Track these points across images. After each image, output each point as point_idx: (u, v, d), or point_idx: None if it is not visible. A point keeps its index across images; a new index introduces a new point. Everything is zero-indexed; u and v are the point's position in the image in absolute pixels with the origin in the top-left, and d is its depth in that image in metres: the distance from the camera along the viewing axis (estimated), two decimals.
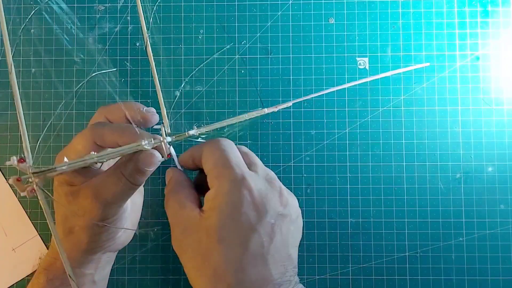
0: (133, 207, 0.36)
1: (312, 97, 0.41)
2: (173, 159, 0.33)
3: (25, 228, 0.40)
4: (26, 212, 0.40)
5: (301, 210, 0.39)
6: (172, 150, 0.32)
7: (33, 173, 0.28)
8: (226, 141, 0.32)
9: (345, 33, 0.41)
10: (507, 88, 0.41)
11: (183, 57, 0.41)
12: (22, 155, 0.28)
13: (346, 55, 0.41)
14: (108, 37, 0.41)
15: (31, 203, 0.40)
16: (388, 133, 0.41)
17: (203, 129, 0.32)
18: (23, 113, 0.29)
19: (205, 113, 0.41)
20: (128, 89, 0.41)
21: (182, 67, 0.41)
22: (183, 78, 0.41)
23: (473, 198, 0.40)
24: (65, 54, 0.41)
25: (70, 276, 0.28)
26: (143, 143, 0.29)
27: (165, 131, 0.31)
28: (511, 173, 0.40)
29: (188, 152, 0.33)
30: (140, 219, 0.40)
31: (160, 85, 0.33)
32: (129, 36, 0.41)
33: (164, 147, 0.31)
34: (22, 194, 0.28)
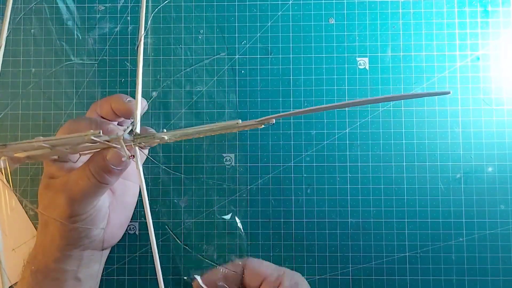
0: (118, 207, 0.36)
1: (313, 98, 0.41)
2: (137, 162, 0.29)
3: (25, 228, 0.40)
4: (26, 212, 0.40)
5: (301, 210, 0.39)
6: (137, 151, 0.29)
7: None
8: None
9: (345, 33, 0.41)
10: (507, 88, 0.41)
11: (183, 57, 0.41)
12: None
13: (346, 55, 0.41)
14: (108, 37, 0.41)
15: (31, 203, 0.40)
16: (388, 133, 0.41)
17: (171, 133, 0.29)
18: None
19: (205, 113, 0.41)
20: (128, 89, 0.41)
21: (182, 67, 0.41)
22: (182, 79, 0.41)
23: (473, 198, 0.40)
24: (65, 54, 0.41)
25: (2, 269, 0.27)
26: (89, 133, 0.26)
27: (132, 129, 0.29)
28: (511, 174, 0.40)
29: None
30: (139, 219, 0.40)
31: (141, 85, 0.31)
32: (129, 36, 0.41)
33: (122, 145, 0.28)
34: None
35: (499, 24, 0.41)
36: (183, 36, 0.41)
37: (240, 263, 0.36)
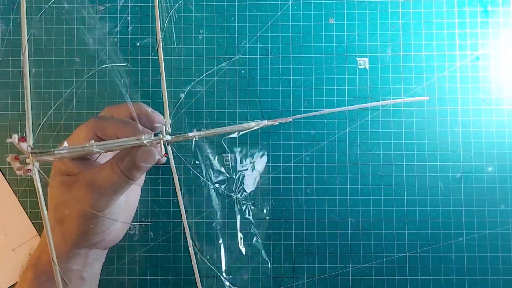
0: (126, 205, 0.36)
1: (313, 98, 0.41)
2: (169, 159, 0.33)
3: (25, 228, 0.40)
4: (26, 212, 0.40)
5: (301, 210, 0.39)
6: (169, 149, 0.32)
7: (32, 153, 0.28)
8: None
9: (345, 33, 0.41)
10: (507, 88, 0.41)
11: (183, 57, 0.41)
12: (24, 134, 0.28)
13: (346, 55, 0.41)
14: (108, 37, 0.41)
15: (31, 203, 0.40)
16: (388, 133, 0.41)
17: (202, 133, 0.32)
18: (21, 113, 0.29)
19: (204, 113, 0.41)
20: (128, 89, 0.41)
21: (182, 67, 0.41)
22: (183, 78, 0.41)
23: (473, 198, 0.40)
24: (65, 54, 0.41)
25: (53, 260, 0.28)
26: (143, 137, 0.30)
27: (165, 130, 0.32)
28: (511, 173, 0.40)
29: None
30: (139, 220, 0.40)
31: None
32: (129, 36, 0.41)
33: (161, 145, 0.31)
34: (17, 172, 0.28)
35: (499, 24, 0.41)
36: (183, 36, 0.41)
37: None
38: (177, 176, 0.33)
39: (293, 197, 0.40)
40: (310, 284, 0.40)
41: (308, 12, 0.41)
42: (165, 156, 0.32)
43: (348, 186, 0.40)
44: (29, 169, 0.28)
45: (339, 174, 0.40)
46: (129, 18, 0.42)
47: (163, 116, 0.33)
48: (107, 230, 0.34)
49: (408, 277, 0.39)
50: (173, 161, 0.33)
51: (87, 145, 0.29)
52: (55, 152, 0.29)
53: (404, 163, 0.40)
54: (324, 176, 0.40)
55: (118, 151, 0.32)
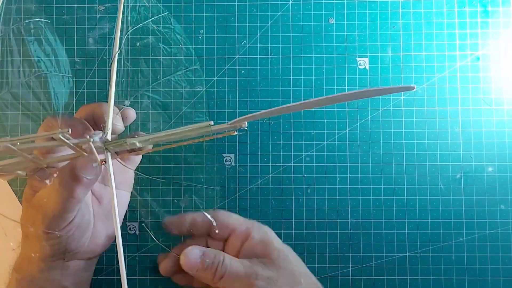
0: (106, 217, 0.34)
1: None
2: (108, 168, 0.28)
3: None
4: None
5: (301, 210, 0.39)
6: (109, 157, 0.28)
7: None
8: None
9: (345, 33, 0.41)
10: (507, 88, 0.41)
11: (183, 57, 0.41)
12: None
13: (346, 55, 0.41)
14: (108, 37, 0.41)
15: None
16: (388, 133, 0.40)
17: (142, 138, 0.28)
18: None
19: (205, 113, 0.41)
20: (129, 89, 0.41)
21: (182, 67, 0.41)
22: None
23: (473, 198, 0.40)
24: (64, 54, 0.41)
25: None
26: (58, 131, 0.24)
27: (104, 135, 0.28)
28: (511, 173, 0.40)
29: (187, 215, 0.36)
30: (139, 219, 0.40)
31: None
32: (129, 36, 0.41)
33: (92, 149, 0.27)
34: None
35: (499, 24, 0.41)
36: (183, 36, 0.41)
37: (209, 213, 0.36)
38: (114, 187, 0.28)
39: (293, 197, 0.40)
40: None
41: (308, 12, 0.41)
42: (102, 164, 0.28)
43: (349, 186, 0.40)
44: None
45: (340, 174, 0.40)
46: (129, 18, 0.42)
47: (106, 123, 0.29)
48: (73, 248, 0.31)
49: (408, 278, 0.39)
50: (112, 175, 0.28)
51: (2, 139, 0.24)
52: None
53: (405, 163, 0.40)
54: (324, 176, 0.40)
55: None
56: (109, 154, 0.28)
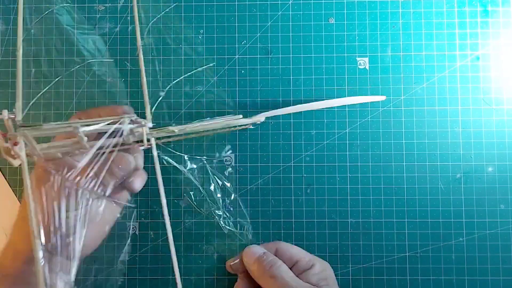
0: (90, 221, 0.34)
1: (313, 99, 0.41)
2: (152, 153, 0.34)
3: None
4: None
5: (301, 210, 0.39)
6: (153, 141, 0.34)
7: (20, 126, 0.28)
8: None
9: (345, 33, 0.41)
10: (507, 88, 0.41)
11: (183, 57, 0.41)
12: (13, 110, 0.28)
13: (346, 55, 0.41)
14: (108, 37, 0.41)
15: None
16: (388, 133, 0.40)
17: (184, 127, 0.34)
18: (22, 113, 0.29)
19: (205, 113, 0.41)
20: (128, 89, 0.41)
21: (182, 67, 0.41)
22: (183, 78, 0.41)
23: (473, 198, 0.40)
24: (65, 54, 0.41)
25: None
26: (125, 116, 0.30)
27: (147, 123, 0.33)
28: (511, 173, 0.40)
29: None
30: (139, 219, 0.40)
31: (148, 86, 0.34)
32: (129, 36, 0.41)
33: (144, 133, 0.32)
34: (2, 148, 0.28)
35: (499, 24, 0.41)
36: (183, 36, 0.41)
37: (272, 245, 0.38)
38: (159, 170, 0.33)
39: (293, 197, 0.40)
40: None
41: (308, 12, 0.41)
42: (148, 147, 0.33)
43: (348, 186, 0.40)
44: (16, 142, 0.28)
45: (339, 174, 0.40)
46: (129, 18, 0.42)
47: (145, 113, 0.34)
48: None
49: (408, 277, 0.39)
50: (156, 155, 0.34)
51: (73, 122, 0.29)
52: (44, 126, 0.28)
53: (404, 163, 0.40)
54: (324, 176, 0.40)
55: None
56: (153, 139, 0.34)
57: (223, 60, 0.41)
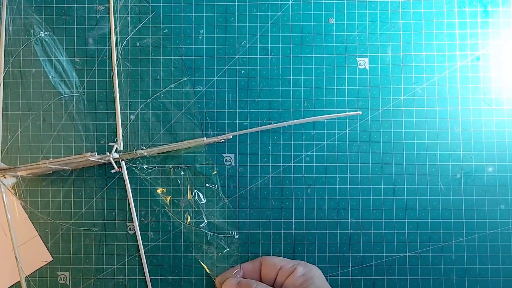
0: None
1: (313, 99, 0.41)
2: (123, 174, 0.39)
3: (25, 228, 0.40)
4: (26, 212, 0.40)
5: (301, 210, 0.39)
6: (123, 164, 0.39)
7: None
8: None
9: (345, 33, 0.41)
10: (507, 88, 0.41)
11: (183, 57, 0.41)
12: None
13: (346, 55, 0.41)
14: (108, 37, 0.41)
15: (31, 203, 0.40)
16: (388, 133, 0.40)
17: (151, 150, 0.38)
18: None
19: (205, 113, 0.41)
20: (128, 89, 0.41)
21: (182, 67, 0.41)
22: (182, 79, 0.41)
23: (473, 198, 0.40)
24: (65, 54, 0.41)
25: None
26: (87, 154, 0.36)
27: (117, 147, 0.38)
28: (511, 174, 0.40)
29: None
30: (139, 220, 0.40)
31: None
32: (129, 36, 0.41)
33: (112, 162, 0.38)
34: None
35: (499, 24, 0.41)
36: (183, 36, 0.41)
37: (256, 260, 0.39)
38: (131, 194, 0.38)
39: (293, 198, 0.40)
40: None
41: (308, 12, 0.41)
42: (119, 171, 0.38)
43: (349, 186, 0.40)
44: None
45: (340, 175, 0.40)
46: (129, 18, 0.42)
47: (116, 135, 0.39)
48: None
49: (408, 278, 0.39)
50: (126, 176, 0.39)
51: (41, 163, 0.36)
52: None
53: (405, 164, 0.40)
54: (324, 177, 0.40)
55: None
56: (123, 162, 0.39)
57: (223, 60, 0.41)
